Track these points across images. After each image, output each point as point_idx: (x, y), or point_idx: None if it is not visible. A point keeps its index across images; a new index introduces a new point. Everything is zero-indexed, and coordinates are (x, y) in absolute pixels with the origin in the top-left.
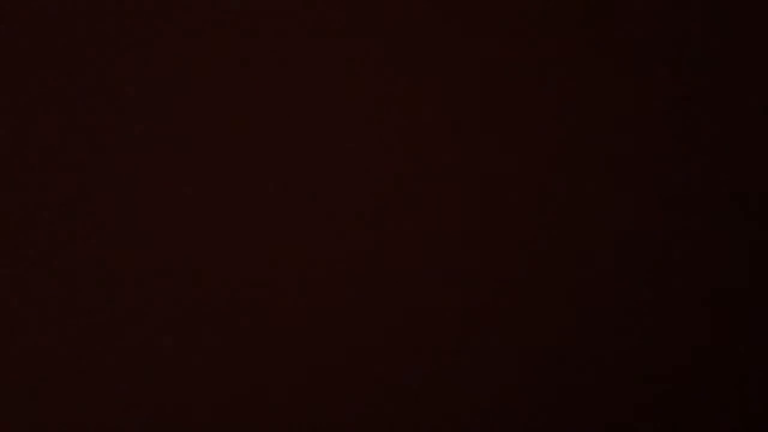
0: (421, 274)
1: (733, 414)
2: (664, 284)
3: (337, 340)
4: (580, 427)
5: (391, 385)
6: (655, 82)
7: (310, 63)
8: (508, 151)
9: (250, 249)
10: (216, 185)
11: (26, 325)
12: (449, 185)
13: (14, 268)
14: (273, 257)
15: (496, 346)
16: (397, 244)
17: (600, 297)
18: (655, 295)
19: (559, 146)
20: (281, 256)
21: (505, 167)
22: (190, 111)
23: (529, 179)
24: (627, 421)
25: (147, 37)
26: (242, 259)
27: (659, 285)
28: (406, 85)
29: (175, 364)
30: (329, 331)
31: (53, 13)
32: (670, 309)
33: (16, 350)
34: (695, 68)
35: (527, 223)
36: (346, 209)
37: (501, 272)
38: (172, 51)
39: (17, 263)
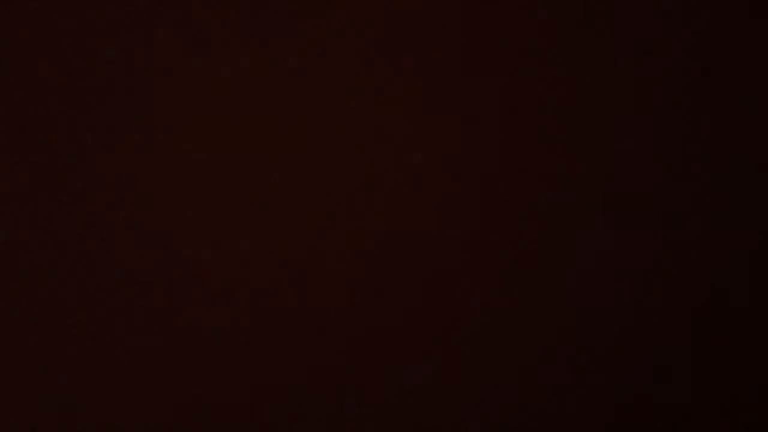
0: (421, 274)
1: (734, 414)
2: (665, 285)
3: (337, 341)
4: (581, 427)
5: (391, 385)
6: (656, 83)
7: (310, 63)
8: (508, 151)
9: (250, 249)
10: (216, 185)
11: (25, 325)
12: (449, 185)
13: (16, 267)
14: (273, 257)
15: (496, 347)
16: (398, 243)
17: (600, 297)
18: (655, 296)
19: (560, 146)
20: (281, 256)
21: (506, 167)
22: (189, 111)
23: (530, 179)
24: (627, 421)
25: (149, 37)
26: (242, 259)
27: (660, 285)
28: (405, 84)
29: (175, 364)
30: (329, 331)
31: (53, 13)
32: (670, 309)
33: (14, 350)
34: (696, 68)
35: (528, 224)
36: (346, 209)
37: (501, 272)
38: (172, 50)
39: (17, 263)
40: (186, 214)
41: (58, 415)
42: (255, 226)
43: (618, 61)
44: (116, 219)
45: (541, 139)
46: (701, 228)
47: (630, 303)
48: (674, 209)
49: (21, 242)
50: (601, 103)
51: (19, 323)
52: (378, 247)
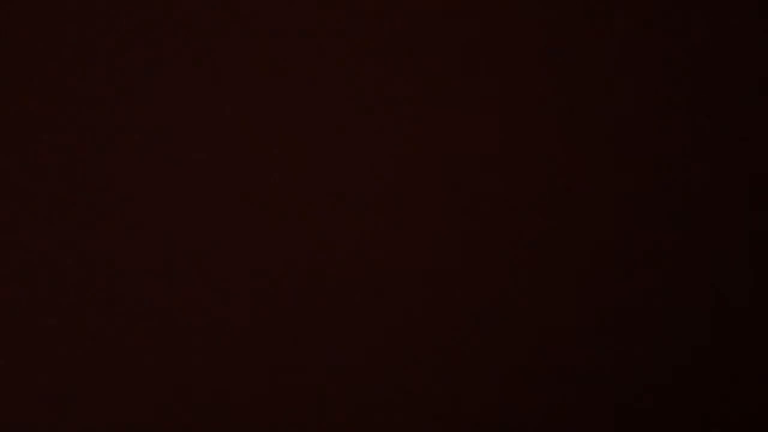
0: (422, 274)
1: (733, 415)
2: (665, 285)
3: (337, 341)
4: (581, 427)
5: (391, 385)
6: (656, 83)
7: (309, 63)
8: (508, 151)
9: (250, 249)
10: (216, 185)
11: (24, 325)
12: (449, 185)
13: (12, 267)
14: (273, 257)
15: (496, 347)
16: (397, 244)
17: (600, 298)
18: (656, 296)
19: (561, 146)
20: (281, 256)
21: (506, 167)
22: (189, 111)
23: (530, 179)
24: (628, 421)
25: (150, 35)
26: (242, 259)
27: (660, 285)
28: (404, 83)
29: (174, 365)
30: (329, 332)
31: (53, 13)
32: (670, 310)
33: (14, 350)
34: (696, 68)
35: (528, 223)
36: (345, 209)
37: (501, 273)
38: (172, 51)
39: (15, 262)
40: (186, 214)
41: (58, 414)
42: (255, 226)
43: (618, 61)
44: (116, 219)
45: (542, 139)
46: (701, 228)
47: (630, 303)
48: (675, 209)
49: (21, 242)
50: (600, 103)
51: (18, 323)
52: (378, 247)
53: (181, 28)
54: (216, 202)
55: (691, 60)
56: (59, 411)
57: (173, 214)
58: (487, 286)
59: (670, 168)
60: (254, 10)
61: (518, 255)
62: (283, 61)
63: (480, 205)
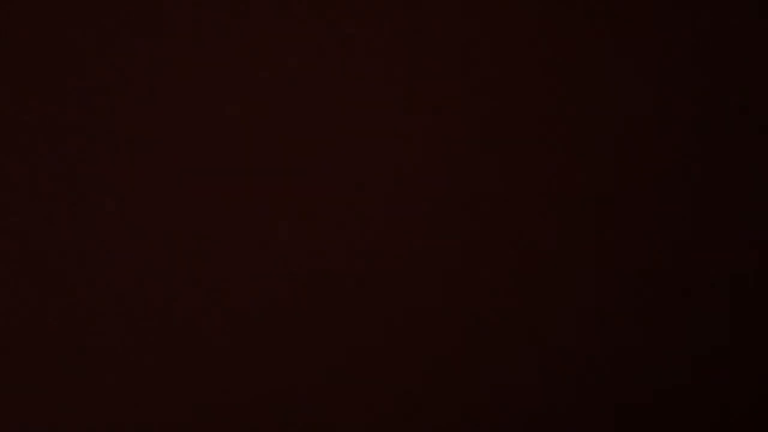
0: (422, 274)
1: (734, 415)
2: (665, 285)
3: (337, 341)
4: (581, 427)
5: (391, 385)
6: (656, 82)
7: (309, 63)
8: (509, 151)
9: (249, 249)
10: (215, 185)
11: (24, 325)
12: (449, 185)
13: (12, 267)
14: (273, 257)
15: (496, 347)
16: (397, 244)
17: (601, 298)
18: (656, 296)
19: (560, 146)
20: (281, 256)
21: (506, 167)
22: (189, 111)
23: (531, 179)
24: (628, 421)
25: (149, 36)
26: (242, 259)
27: (660, 285)
28: (404, 83)
29: (174, 365)
30: (329, 332)
31: (53, 13)
32: (670, 310)
33: (14, 350)
34: (697, 69)
35: (528, 224)
36: (345, 210)
37: (502, 273)
38: (172, 51)
39: (13, 262)
40: (186, 214)
41: (58, 414)
42: (255, 226)
43: (618, 61)
44: (116, 219)
45: (541, 139)
46: (701, 228)
47: (630, 303)
48: (675, 209)
49: (20, 242)
50: (601, 103)
51: (18, 323)
52: (378, 246)
53: (182, 28)
54: (216, 202)
55: (691, 60)
56: (59, 411)
57: (173, 214)
58: (487, 287)
59: (671, 168)
60: (254, 10)
61: (519, 255)
62: (283, 61)
63: (481, 205)
